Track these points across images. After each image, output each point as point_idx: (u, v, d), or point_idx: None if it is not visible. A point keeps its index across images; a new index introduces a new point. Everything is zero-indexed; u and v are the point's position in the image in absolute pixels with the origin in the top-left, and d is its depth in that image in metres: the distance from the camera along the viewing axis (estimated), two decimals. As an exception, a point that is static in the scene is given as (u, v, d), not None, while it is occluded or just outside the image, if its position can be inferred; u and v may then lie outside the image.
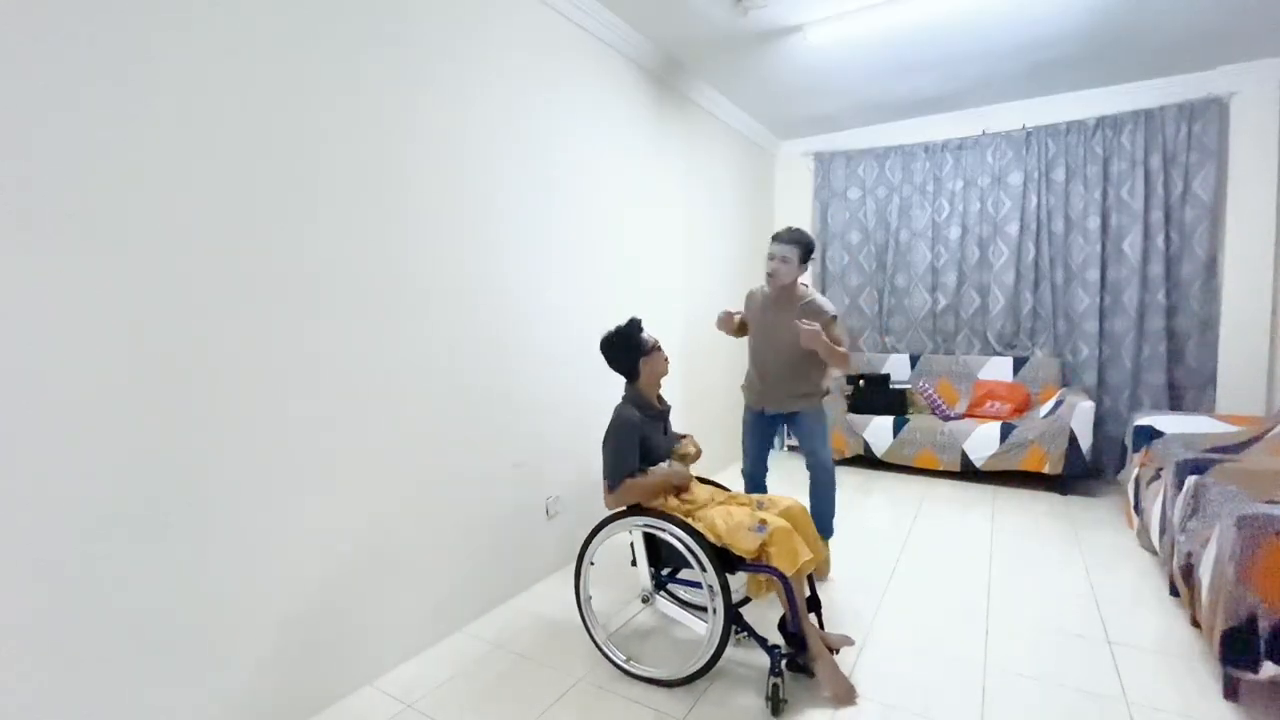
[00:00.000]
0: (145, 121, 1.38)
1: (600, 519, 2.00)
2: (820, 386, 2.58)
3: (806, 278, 5.05)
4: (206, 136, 1.48)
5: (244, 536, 1.58)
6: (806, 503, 2.36)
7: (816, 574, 2.49)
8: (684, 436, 2.20)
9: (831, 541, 2.64)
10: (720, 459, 4.06)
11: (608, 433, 1.97)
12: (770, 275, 2.48)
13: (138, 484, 1.38)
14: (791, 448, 4.87)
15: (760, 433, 2.68)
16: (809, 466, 2.60)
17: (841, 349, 2.39)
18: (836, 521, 2.69)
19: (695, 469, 2.20)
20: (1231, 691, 1.74)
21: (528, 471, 2.52)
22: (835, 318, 2.46)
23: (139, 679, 1.39)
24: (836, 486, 2.63)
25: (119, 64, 1.34)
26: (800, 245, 2.45)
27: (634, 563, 1.98)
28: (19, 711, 1.23)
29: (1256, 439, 2.63)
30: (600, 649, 1.98)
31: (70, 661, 1.29)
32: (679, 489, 2.01)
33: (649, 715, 1.73)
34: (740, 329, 2.67)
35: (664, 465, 2.01)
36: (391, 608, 1.98)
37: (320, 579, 1.77)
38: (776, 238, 2.48)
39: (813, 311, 2.43)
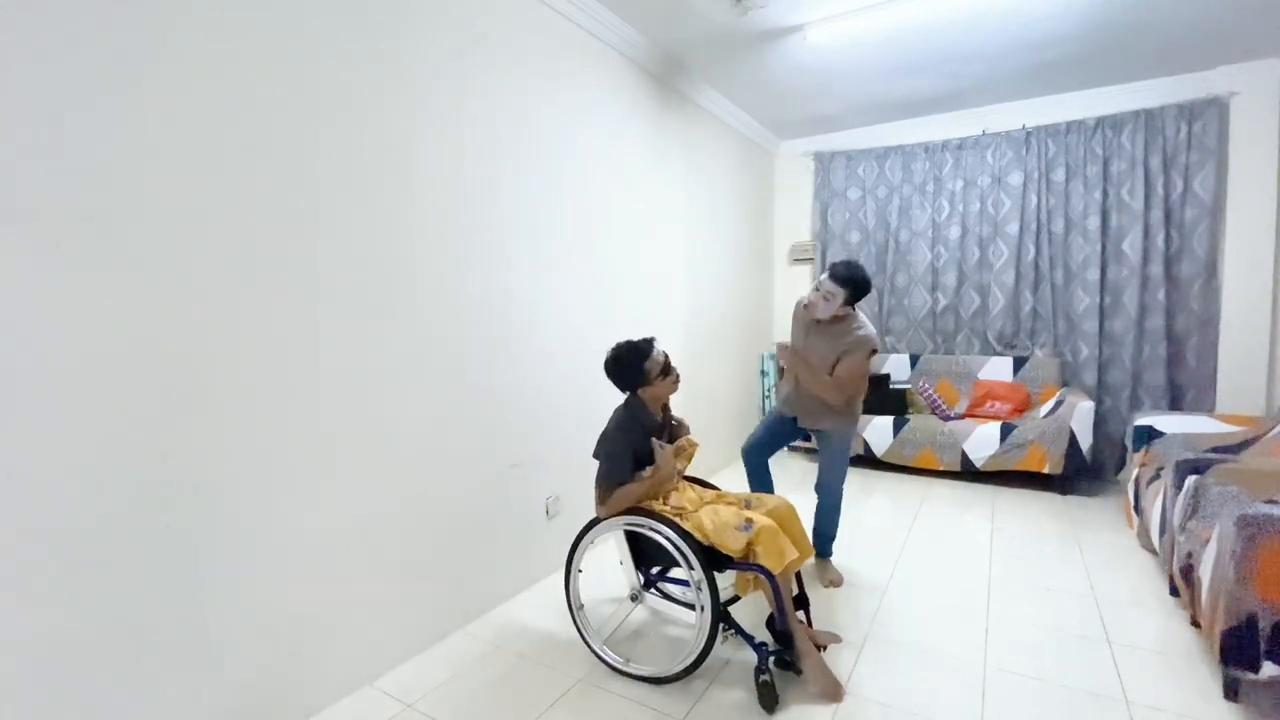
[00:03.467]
0: (150, 127, 1.38)
1: (584, 526, 2.00)
2: (856, 408, 2.46)
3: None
4: (210, 139, 1.48)
5: (244, 536, 1.58)
6: (799, 502, 2.33)
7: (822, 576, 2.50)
8: (683, 433, 2.16)
9: (832, 542, 2.64)
10: (720, 459, 4.06)
11: (601, 438, 1.97)
12: (806, 305, 2.36)
13: (136, 484, 1.38)
14: (792, 448, 4.87)
15: (778, 428, 2.62)
16: (816, 486, 2.56)
17: (841, 385, 2.29)
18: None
19: (691, 470, 2.20)
20: (1231, 691, 1.74)
21: (528, 471, 2.52)
22: (874, 352, 2.32)
23: (138, 679, 1.39)
24: (841, 501, 2.58)
25: (127, 69, 1.34)
26: (851, 287, 2.25)
27: (621, 562, 1.99)
28: (16, 712, 1.23)
29: (1256, 439, 2.63)
30: (597, 654, 1.98)
31: (70, 662, 1.29)
32: (665, 491, 1.99)
33: (648, 715, 1.73)
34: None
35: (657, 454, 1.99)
36: (391, 607, 1.98)
37: (320, 578, 1.76)
38: (831, 271, 2.28)
39: (856, 344, 2.29)
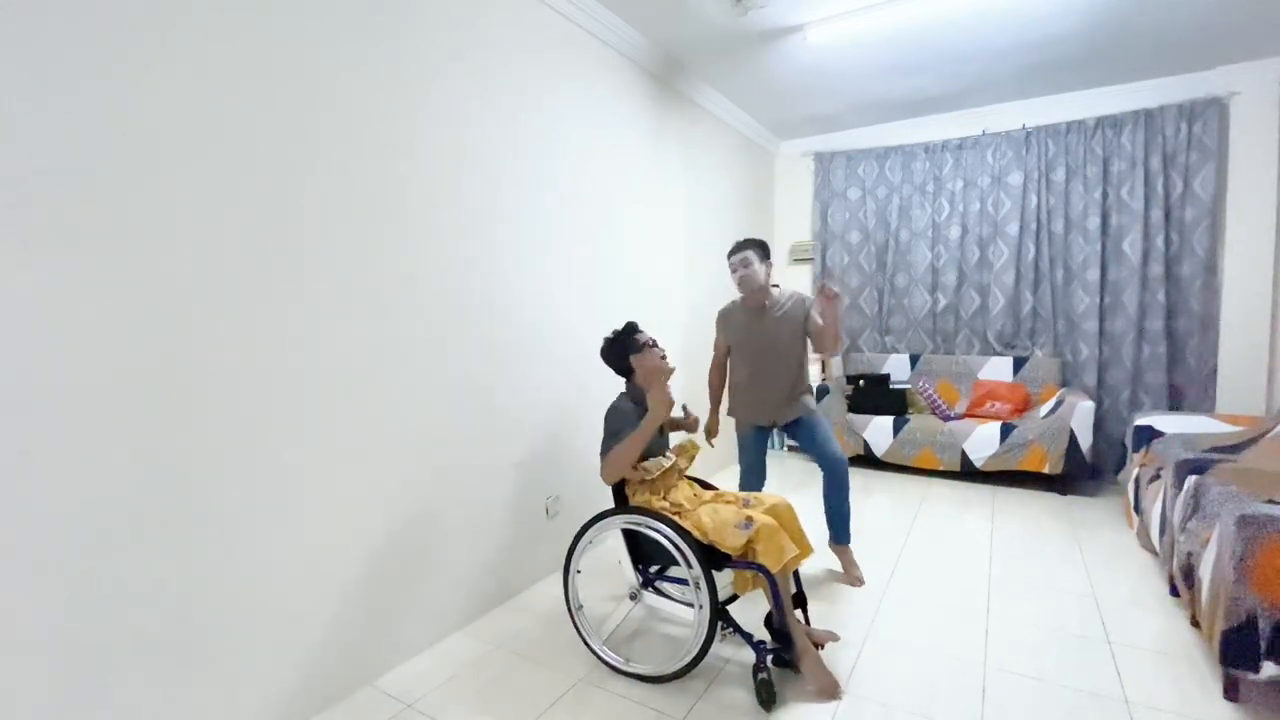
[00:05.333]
0: (149, 128, 1.38)
1: (581, 526, 2.01)
2: (810, 383, 2.66)
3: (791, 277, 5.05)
4: (210, 139, 1.48)
5: (245, 538, 1.58)
6: (799, 503, 2.34)
7: (848, 578, 2.53)
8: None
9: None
10: (719, 460, 4.06)
11: (605, 420, 2.01)
12: (741, 282, 2.50)
13: (140, 488, 1.38)
14: (791, 448, 4.87)
15: (759, 448, 2.67)
16: (827, 466, 2.55)
17: (839, 332, 2.49)
18: None
19: (691, 470, 2.20)
20: (1231, 691, 1.74)
21: (528, 471, 2.52)
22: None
23: (140, 680, 1.39)
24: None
25: (121, 62, 1.34)
26: (755, 246, 2.50)
27: (620, 561, 1.99)
28: (27, 712, 1.23)
29: (1256, 439, 2.62)
30: (596, 654, 1.98)
31: (73, 663, 1.29)
32: (666, 483, 2.02)
33: (648, 715, 1.73)
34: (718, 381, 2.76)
35: (658, 458, 2.02)
36: (391, 608, 1.97)
37: (320, 579, 1.76)
38: (734, 251, 2.52)
39: (801, 301, 2.54)
